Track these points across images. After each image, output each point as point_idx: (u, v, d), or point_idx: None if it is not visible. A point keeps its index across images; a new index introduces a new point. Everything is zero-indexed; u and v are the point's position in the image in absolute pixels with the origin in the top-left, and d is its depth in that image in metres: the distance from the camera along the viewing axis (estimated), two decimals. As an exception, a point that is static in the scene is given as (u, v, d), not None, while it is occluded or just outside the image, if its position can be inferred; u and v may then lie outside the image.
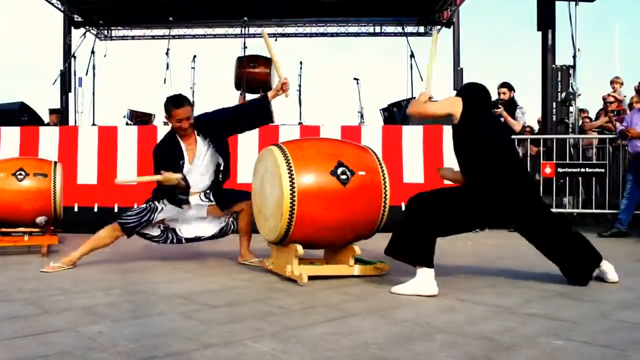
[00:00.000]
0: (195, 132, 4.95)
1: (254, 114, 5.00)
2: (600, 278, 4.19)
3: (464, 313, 3.28)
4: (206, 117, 5.07)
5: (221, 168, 4.98)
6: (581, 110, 10.24)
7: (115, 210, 7.78)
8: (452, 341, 2.68)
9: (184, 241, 5.05)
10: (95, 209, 7.82)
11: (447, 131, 8.08)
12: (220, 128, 4.99)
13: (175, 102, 4.85)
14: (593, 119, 10.85)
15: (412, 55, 11.43)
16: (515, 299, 3.61)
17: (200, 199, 4.99)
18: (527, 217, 4.11)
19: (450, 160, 7.98)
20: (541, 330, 2.87)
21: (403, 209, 7.67)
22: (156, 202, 4.86)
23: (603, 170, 8.45)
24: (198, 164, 4.93)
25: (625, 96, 10.45)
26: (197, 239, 5.09)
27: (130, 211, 4.88)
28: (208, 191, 5.00)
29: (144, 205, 4.88)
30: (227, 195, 5.09)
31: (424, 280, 3.76)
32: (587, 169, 8.52)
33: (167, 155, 4.88)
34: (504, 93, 8.90)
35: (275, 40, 14.13)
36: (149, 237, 5.00)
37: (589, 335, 2.78)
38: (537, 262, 4.27)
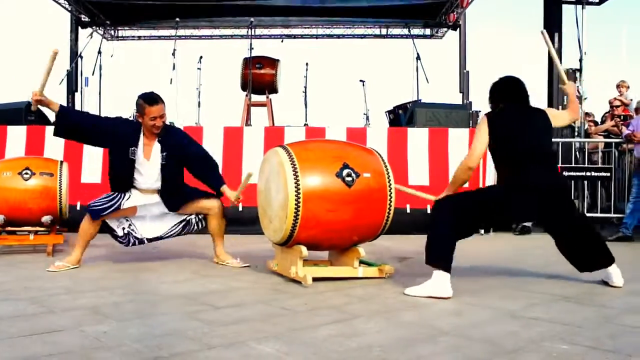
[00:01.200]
0: (158, 139, 4.89)
1: (205, 179, 5.05)
2: (605, 282, 4.19)
3: (468, 316, 3.27)
4: (180, 137, 5.08)
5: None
6: (586, 114, 10.21)
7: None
8: (455, 344, 2.68)
9: (145, 241, 5.04)
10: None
11: (453, 133, 8.08)
12: (181, 155, 4.96)
13: (150, 100, 4.77)
14: (598, 123, 10.82)
15: (418, 58, 11.44)
16: (519, 303, 3.60)
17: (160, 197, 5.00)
18: (552, 212, 4.13)
19: (455, 163, 7.97)
20: (546, 335, 2.87)
21: (408, 211, 7.70)
22: (124, 192, 4.88)
23: (609, 174, 8.43)
24: (151, 163, 4.89)
25: (631, 100, 10.42)
26: (159, 238, 5.08)
27: (99, 198, 4.87)
28: (163, 189, 4.98)
29: (112, 193, 4.89)
30: (186, 195, 5.05)
31: (439, 283, 3.76)
32: (593, 173, 8.49)
33: (123, 131, 4.86)
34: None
35: (282, 41, 14.15)
36: (114, 235, 5.00)
37: (594, 340, 2.77)
38: (542, 266, 4.27)
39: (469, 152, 4.22)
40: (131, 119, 10.46)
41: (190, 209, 5.04)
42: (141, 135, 4.86)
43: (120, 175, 4.87)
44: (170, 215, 5.07)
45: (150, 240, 5.06)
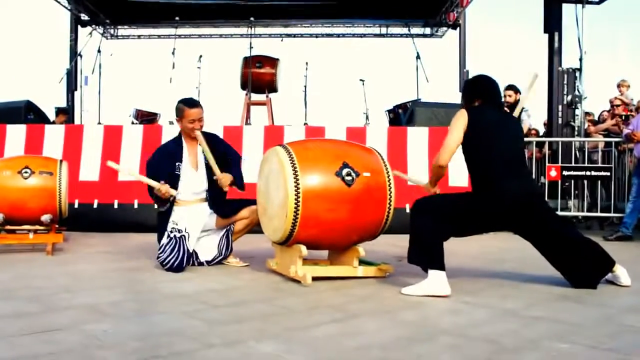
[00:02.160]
0: (198, 143, 4.97)
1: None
2: (612, 281, 4.18)
3: (468, 315, 3.27)
4: (214, 136, 5.18)
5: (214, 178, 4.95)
6: (586, 114, 10.22)
7: (115, 206, 7.77)
8: (455, 343, 2.68)
9: (205, 264, 4.92)
10: (95, 205, 7.81)
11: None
12: (219, 155, 5.00)
13: (189, 103, 4.95)
14: (597, 122, 10.83)
15: (418, 57, 11.44)
16: (519, 302, 3.60)
17: (210, 207, 4.99)
18: (530, 221, 4.08)
19: (454, 163, 7.96)
20: (545, 334, 2.87)
21: (407, 210, 7.68)
22: (176, 229, 4.82)
23: (609, 173, 8.43)
24: (197, 168, 4.96)
25: (632, 99, 10.43)
26: (215, 259, 4.97)
27: (162, 250, 4.75)
28: (211, 198, 4.97)
29: (167, 239, 4.79)
30: (230, 204, 5.07)
31: (436, 281, 3.76)
32: (593, 172, 8.50)
33: (165, 155, 4.92)
34: (509, 95, 8.87)
35: (282, 40, 14.15)
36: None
37: (594, 339, 2.77)
38: (542, 265, 4.26)
39: (441, 149, 4.16)
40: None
41: (233, 218, 5.03)
42: (184, 145, 4.97)
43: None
44: (214, 231, 5.03)
45: (209, 262, 4.93)
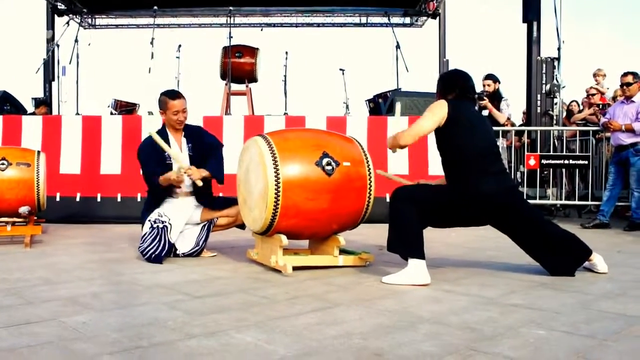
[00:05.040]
0: (183, 133, 5.03)
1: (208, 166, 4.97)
2: (589, 269, 4.24)
3: (448, 303, 3.30)
4: (199, 128, 5.25)
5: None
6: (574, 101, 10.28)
7: (98, 199, 7.74)
8: (435, 331, 2.70)
9: (180, 255, 4.89)
10: (78, 199, 7.77)
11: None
12: (201, 145, 5.05)
13: (171, 95, 4.97)
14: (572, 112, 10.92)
15: (397, 46, 11.44)
16: (498, 290, 3.64)
17: (196, 200, 4.97)
18: (507, 216, 4.11)
19: (435, 151, 8.01)
20: (523, 321, 2.90)
21: (388, 199, 7.72)
22: (159, 220, 4.80)
23: (586, 162, 8.51)
24: (184, 161, 4.92)
25: (608, 88, 10.52)
26: (192, 252, 4.93)
27: (143, 240, 4.74)
28: (198, 191, 4.95)
29: (149, 229, 4.77)
30: (217, 199, 5.09)
31: (415, 270, 3.79)
32: (571, 161, 8.58)
33: (151, 147, 4.87)
34: (488, 85, 8.90)
35: (261, 30, 14.09)
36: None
37: (570, 325, 2.81)
38: (520, 253, 4.30)
39: (409, 130, 4.12)
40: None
41: (218, 214, 5.02)
42: (169, 137, 4.98)
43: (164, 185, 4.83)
44: (191, 230, 4.99)
45: (185, 255, 4.90)
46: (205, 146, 5.06)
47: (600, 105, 9.70)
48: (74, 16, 13.62)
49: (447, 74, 4.53)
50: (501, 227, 4.22)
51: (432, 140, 7.92)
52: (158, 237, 4.68)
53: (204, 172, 4.80)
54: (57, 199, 7.64)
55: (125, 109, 10.53)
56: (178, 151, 4.85)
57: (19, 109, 9.81)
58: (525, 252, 4.25)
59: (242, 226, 5.03)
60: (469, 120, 4.09)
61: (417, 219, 3.93)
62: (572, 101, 11.05)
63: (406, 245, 3.91)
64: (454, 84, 4.26)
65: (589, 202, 8.64)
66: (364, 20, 14.45)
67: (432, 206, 4.02)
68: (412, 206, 3.93)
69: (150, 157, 4.86)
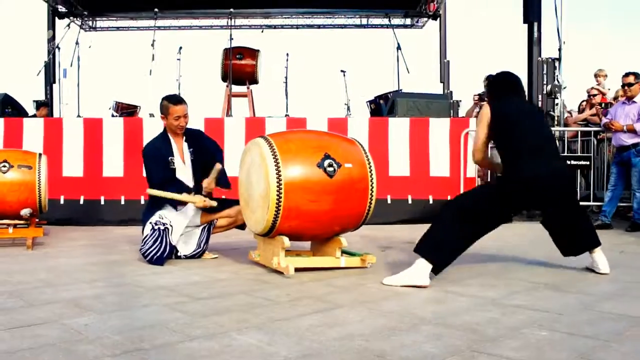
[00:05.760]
0: (184, 138, 5.03)
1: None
2: (590, 269, 4.24)
3: (450, 304, 3.30)
4: (200, 133, 5.27)
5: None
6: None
7: (102, 202, 7.74)
8: (437, 332, 2.70)
9: (182, 257, 4.89)
10: (82, 202, 7.77)
11: (433, 123, 8.10)
12: (202, 149, 5.07)
13: (173, 100, 4.97)
14: (576, 113, 10.90)
15: (398, 47, 11.44)
16: (500, 291, 3.64)
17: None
18: (551, 198, 4.16)
19: (435, 153, 8.01)
20: (525, 322, 2.90)
21: (389, 201, 7.74)
22: (160, 222, 4.80)
23: (588, 162, 8.49)
24: (185, 164, 4.94)
25: (609, 89, 10.50)
26: (194, 254, 4.94)
27: (144, 242, 4.75)
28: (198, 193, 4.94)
29: (150, 231, 4.77)
30: (217, 201, 5.06)
31: (417, 271, 3.77)
32: (572, 162, 8.55)
33: (156, 151, 4.90)
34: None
35: (262, 31, 14.09)
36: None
37: (573, 327, 2.80)
38: (522, 254, 4.30)
39: (474, 144, 4.42)
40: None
41: (218, 215, 5.02)
42: (171, 141, 4.98)
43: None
44: (192, 233, 4.99)
45: (187, 256, 4.90)
46: (205, 150, 5.06)
47: (603, 105, 9.68)
48: (75, 19, 13.64)
49: (494, 77, 4.59)
50: (544, 208, 4.34)
51: (432, 142, 7.98)
52: (159, 239, 4.69)
53: (213, 203, 4.81)
54: (61, 201, 7.65)
55: (127, 111, 10.54)
56: (186, 195, 4.79)
57: (21, 112, 9.81)
58: (546, 229, 4.37)
59: (242, 227, 5.04)
60: (514, 115, 4.19)
61: (460, 232, 3.91)
62: (583, 101, 11.01)
63: (429, 243, 3.88)
64: (501, 86, 4.42)
65: (591, 203, 8.61)
66: (364, 21, 14.46)
67: (486, 204, 4.04)
68: (459, 218, 3.92)
69: (157, 164, 4.87)
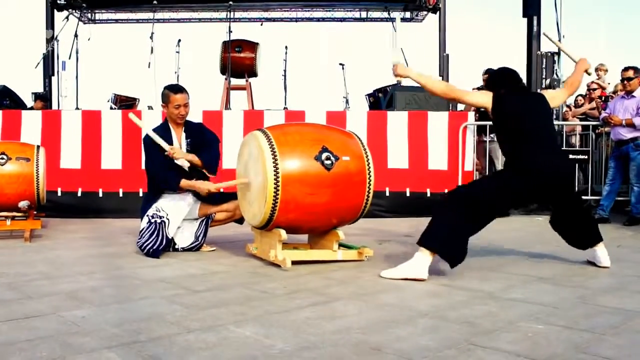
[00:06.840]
0: (184, 128, 5.03)
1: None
2: (591, 262, 4.26)
3: (447, 298, 3.30)
4: (200, 125, 5.27)
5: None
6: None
7: (100, 195, 7.74)
8: (434, 325, 2.71)
9: (180, 249, 4.90)
10: (79, 194, 7.77)
11: (432, 117, 8.10)
12: (200, 141, 5.05)
13: (174, 89, 4.99)
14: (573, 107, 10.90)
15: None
16: (497, 284, 3.64)
17: (195, 196, 4.96)
18: (556, 195, 4.19)
19: (434, 146, 8.01)
20: (522, 315, 2.90)
21: (387, 194, 7.74)
22: (157, 215, 4.81)
23: (586, 156, 8.49)
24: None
25: (609, 83, 10.50)
26: (192, 247, 4.94)
27: (141, 235, 4.76)
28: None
29: (147, 224, 4.78)
30: (215, 195, 5.04)
31: (418, 264, 3.77)
32: (571, 156, 8.55)
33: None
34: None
35: (261, 24, 14.05)
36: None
37: (569, 320, 2.81)
38: (519, 248, 4.31)
39: (451, 85, 4.44)
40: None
41: (216, 208, 5.03)
42: (171, 131, 4.99)
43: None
44: (190, 225, 5.00)
45: (184, 249, 4.92)
46: (203, 143, 5.04)
47: (602, 99, 9.67)
48: (74, 11, 13.57)
49: (495, 72, 4.57)
50: (546, 202, 4.46)
51: (431, 136, 7.98)
52: (156, 231, 4.69)
53: (191, 156, 4.83)
54: (59, 193, 7.64)
55: (125, 103, 10.52)
56: (174, 146, 4.83)
57: (19, 104, 9.79)
58: (552, 227, 4.43)
59: (240, 221, 5.04)
60: (513, 110, 4.18)
61: (462, 221, 3.89)
62: (578, 95, 11.01)
63: (432, 235, 3.86)
64: (499, 81, 4.39)
65: (589, 197, 8.61)
66: (364, 14, 14.39)
67: (492, 195, 4.02)
68: (462, 208, 3.91)
69: (157, 151, 4.85)
